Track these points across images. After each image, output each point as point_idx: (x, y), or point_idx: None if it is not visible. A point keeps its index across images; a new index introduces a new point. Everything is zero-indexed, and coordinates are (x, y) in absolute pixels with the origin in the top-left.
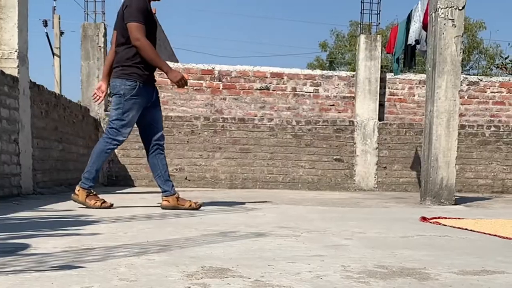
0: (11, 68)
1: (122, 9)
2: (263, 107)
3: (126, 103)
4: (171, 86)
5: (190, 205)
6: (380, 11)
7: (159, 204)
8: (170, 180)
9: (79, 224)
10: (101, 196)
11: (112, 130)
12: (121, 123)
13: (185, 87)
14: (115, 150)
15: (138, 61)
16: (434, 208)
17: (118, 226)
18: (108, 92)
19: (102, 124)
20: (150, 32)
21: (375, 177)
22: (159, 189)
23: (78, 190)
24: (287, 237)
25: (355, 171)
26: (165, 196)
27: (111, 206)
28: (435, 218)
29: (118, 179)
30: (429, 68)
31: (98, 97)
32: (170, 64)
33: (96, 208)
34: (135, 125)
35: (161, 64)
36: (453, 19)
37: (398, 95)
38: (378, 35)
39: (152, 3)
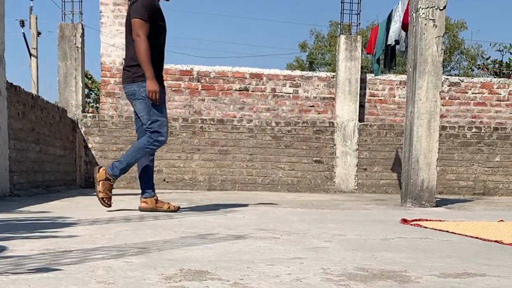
0: None
1: (130, 6)
2: (242, 108)
3: (151, 103)
4: None
5: (169, 207)
6: (360, 11)
7: (139, 207)
8: (153, 182)
9: (56, 226)
10: (78, 198)
11: (153, 134)
12: (157, 123)
13: (156, 103)
14: (93, 152)
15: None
16: (415, 210)
17: (95, 228)
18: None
19: (79, 125)
20: (159, 31)
21: (355, 179)
22: (137, 191)
23: (104, 170)
24: (266, 239)
25: (335, 172)
26: (144, 198)
27: (110, 204)
28: (416, 220)
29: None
30: (410, 69)
31: None
32: None
33: (100, 195)
34: (135, 124)
35: (146, 68)
36: (434, 19)
37: (378, 96)
38: (359, 36)
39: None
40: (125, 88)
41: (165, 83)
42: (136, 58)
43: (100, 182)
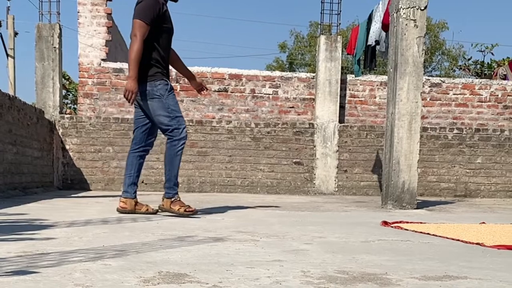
0: None
1: (135, 7)
2: (221, 109)
3: (168, 100)
4: None
5: (147, 210)
6: (340, 11)
7: (117, 208)
8: (136, 184)
9: (33, 228)
10: (55, 200)
11: (173, 132)
12: (176, 120)
13: (128, 103)
14: (70, 153)
15: (156, 60)
16: (395, 212)
17: (73, 230)
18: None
19: (57, 127)
20: (164, 33)
21: (335, 180)
22: (115, 193)
23: (164, 200)
24: (245, 241)
25: (315, 174)
26: (124, 198)
27: (196, 212)
28: (397, 222)
29: (73, 183)
30: (391, 70)
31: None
32: (127, 66)
33: (180, 213)
34: (134, 124)
35: (132, 67)
36: (415, 20)
37: (359, 97)
38: (339, 36)
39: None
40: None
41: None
42: (145, 59)
43: (171, 207)
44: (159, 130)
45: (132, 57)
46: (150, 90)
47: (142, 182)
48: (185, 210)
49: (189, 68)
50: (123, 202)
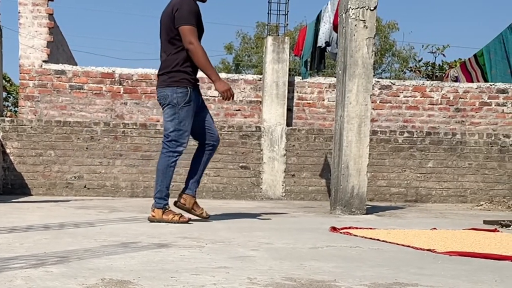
0: None
1: (172, 13)
2: None
3: (181, 112)
4: (70, 90)
5: (201, 213)
6: (288, 11)
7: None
8: (199, 182)
9: None
10: None
11: (171, 142)
12: (179, 133)
13: (231, 100)
14: (11, 157)
15: (186, 66)
16: (344, 217)
17: (14, 236)
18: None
19: None
20: (199, 36)
21: (283, 185)
22: (56, 198)
23: (153, 211)
24: (190, 248)
25: (262, 179)
26: (185, 194)
27: (188, 220)
28: (346, 228)
29: (14, 188)
30: (340, 71)
31: None
32: (70, 67)
33: (174, 222)
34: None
35: (210, 71)
36: (364, 20)
37: (307, 100)
38: (286, 37)
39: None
40: (159, 92)
41: (85, 86)
42: (174, 64)
43: (163, 215)
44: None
45: (203, 63)
46: (170, 95)
47: (85, 187)
48: (179, 219)
49: (133, 69)
50: (183, 198)
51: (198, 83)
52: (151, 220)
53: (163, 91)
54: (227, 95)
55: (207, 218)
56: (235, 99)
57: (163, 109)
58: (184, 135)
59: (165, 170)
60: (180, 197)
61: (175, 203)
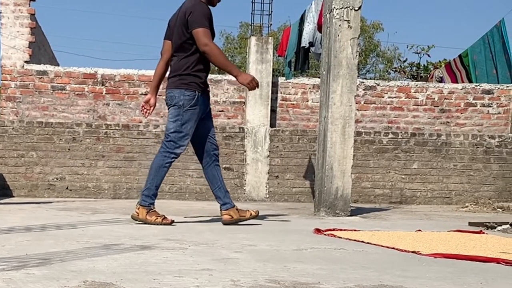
0: None
1: (185, 17)
2: None
3: (185, 114)
4: (51, 91)
5: (251, 214)
6: (271, 12)
7: (220, 218)
8: (228, 191)
9: None
10: None
11: (169, 143)
12: (179, 135)
13: (257, 88)
14: None
15: (197, 70)
16: (328, 219)
17: None
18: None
19: None
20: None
21: (266, 186)
22: (38, 200)
23: (138, 208)
24: (173, 250)
25: (245, 180)
26: (226, 210)
27: (172, 222)
28: (330, 230)
29: None
30: (324, 72)
31: (146, 111)
32: (52, 68)
33: (157, 224)
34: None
35: (231, 67)
36: (349, 20)
37: (291, 100)
38: (270, 37)
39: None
40: (167, 93)
41: (67, 87)
42: (184, 68)
43: (147, 216)
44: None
45: (222, 62)
46: (177, 96)
47: (67, 188)
48: (161, 220)
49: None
50: (226, 214)
51: (208, 89)
52: (134, 218)
53: (171, 92)
54: (253, 85)
55: (256, 215)
56: (218, 100)
57: (168, 109)
58: (185, 138)
59: (158, 169)
60: (223, 213)
61: (224, 223)
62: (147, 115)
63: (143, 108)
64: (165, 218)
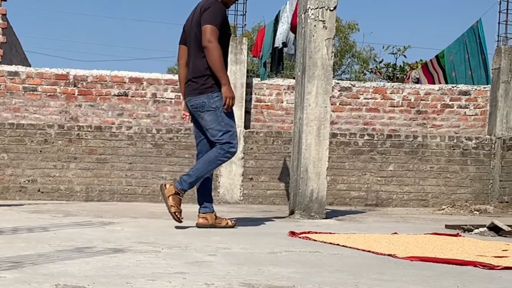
0: None
1: (200, 13)
2: (121, 114)
3: (222, 113)
4: (23, 92)
5: (227, 224)
6: (246, 12)
7: (197, 224)
8: (211, 196)
9: None
10: None
11: (224, 145)
12: (228, 134)
13: (229, 109)
14: None
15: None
16: (303, 222)
17: None
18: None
19: None
20: (226, 40)
21: (240, 189)
22: (9, 202)
23: (171, 185)
24: (146, 253)
25: (219, 182)
26: (204, 213)
27: (181, 218)
28: (305, 232)
29: None
30: (299, 73)
31: (188, 117)
32: (24, 69)
33: (172, 213)
34: (195, 138)
35: (222, 74)
36: (324, 21)
37: (265, 102)
38: (244, 38)
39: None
40: (191, 100)
41: (39, 88)
42: (204, 69)
43: (170, 197)
44: None
45: (217, 65)
46: (207, 102)
47: (39, 190)
48: (174, 213)
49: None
50: (203, 217)
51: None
52: (161, 190)
53: (199, 99)
54: (228, 102)
55: (233, 226)
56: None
57: (198, 116)
58: (234, 135)
59: (209, 162)
60: (200, 217)
61: (198, 226)
62: (188, 120)
63: (184, 115)
64: (180, 213)
